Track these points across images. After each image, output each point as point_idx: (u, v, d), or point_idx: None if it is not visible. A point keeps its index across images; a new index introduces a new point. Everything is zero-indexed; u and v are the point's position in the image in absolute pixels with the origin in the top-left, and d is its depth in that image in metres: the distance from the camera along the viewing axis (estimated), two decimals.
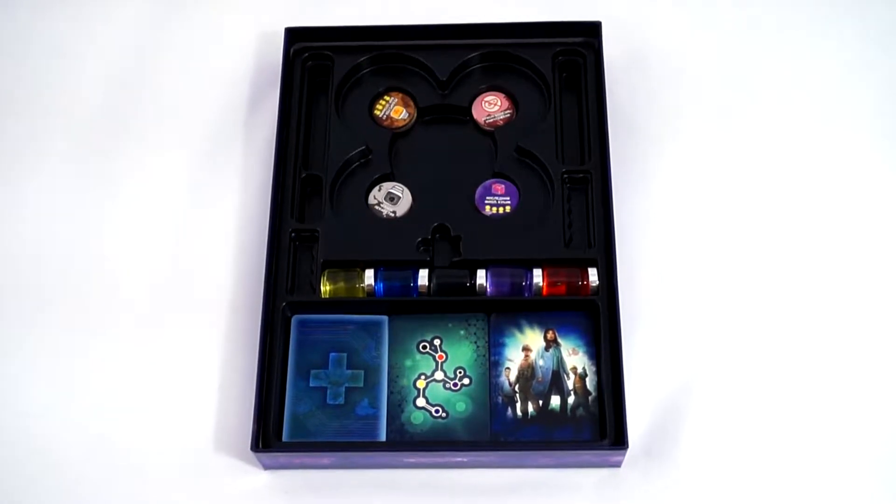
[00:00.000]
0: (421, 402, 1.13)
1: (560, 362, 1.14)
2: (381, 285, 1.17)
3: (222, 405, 1.16)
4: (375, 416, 1.12)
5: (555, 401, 1.13)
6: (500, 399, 1.13)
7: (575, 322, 1.16)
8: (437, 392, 1.14)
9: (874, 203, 1.25)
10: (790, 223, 1.24)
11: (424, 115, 1.27)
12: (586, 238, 1.20)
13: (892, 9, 1.35)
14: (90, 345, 1.20)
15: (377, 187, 1.23)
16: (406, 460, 1.13)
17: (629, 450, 1.11)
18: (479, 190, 1.22)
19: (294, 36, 1.28)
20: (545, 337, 1.15)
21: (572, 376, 1.14)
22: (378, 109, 1.27)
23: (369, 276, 1.17)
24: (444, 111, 1.27)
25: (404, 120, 1.26)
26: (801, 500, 1.12)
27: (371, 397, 1.13)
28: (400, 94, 1.27)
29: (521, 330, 1.16)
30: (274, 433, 1.12)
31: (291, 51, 1.28)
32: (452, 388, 1.14)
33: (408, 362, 1.15)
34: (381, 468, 1.14)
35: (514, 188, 1.22)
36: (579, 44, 1.27)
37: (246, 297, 1.20)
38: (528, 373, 1.14)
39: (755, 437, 1.15)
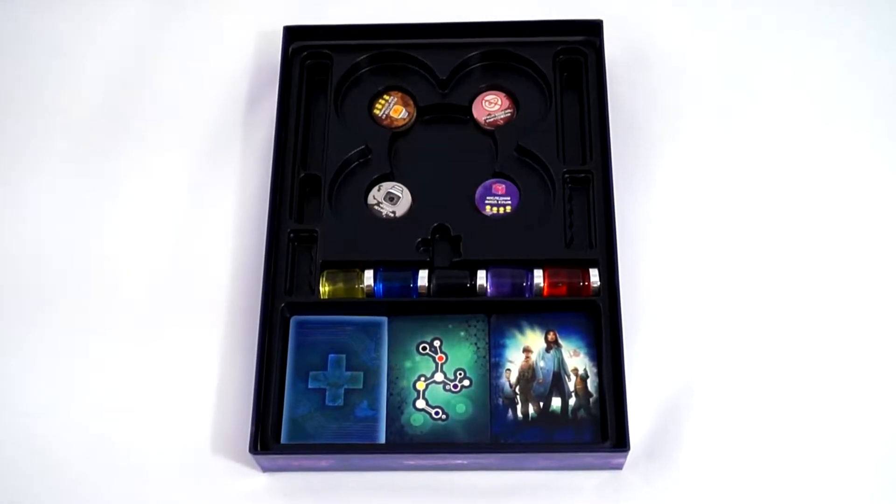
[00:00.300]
0: (421, 403, 1.13)
1: (561, 364, 1.14)
2: (381, 286, 1.17)
3: (220, 407, 1.16)
4: (375, 418, 1.12)
5: (556, 402, 1.12)
6: (500, 401, 1.13)
7: (576, 323, 1.15)
8: (437, 394, 1.13)
9: (875, 203, 1.25)
10: (793, 223, 1.24)
11: (424, 115, 1.27)
12: (587, 238, 1.19)
13: (894, 9, 1.34)
14: (88, 345, 1.20)
15: (376, 187, 1.22)
16: (406, 462, 1.12)
17: (631, 452, 1.11)
18: (479, 190, 1.22)
19: (293, 35, 1.28)
20: (546, 338, 1.15)
21: (573, 378, 1.13)
22: (377, 109, 1.26)
23: (368, 276, 1.17)
24: (443, 110, 1.27)
25: (404, 119, 1.26)
26: (804, 503, 1.12)
27: (370, 399, 1.13)
28: (399, 94, 1.27)
29: (521, 331, 1.15)
30: (272, 435, 1.11)
31: (290, 50, 1.28)
32: (452, 389, 1.14)
33: (407, 364, 1.15)
34: (381, 470, 1.14)
35: (514, 188, 1.22)
36: (580, 42, 1.27)
37: (244, 298, 1.20)
38: (528, 374, 1.14)
39: (758, 439, 1.14)
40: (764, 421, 1.15)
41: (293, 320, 1.16)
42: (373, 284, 1.16)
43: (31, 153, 1.29)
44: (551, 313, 1.16)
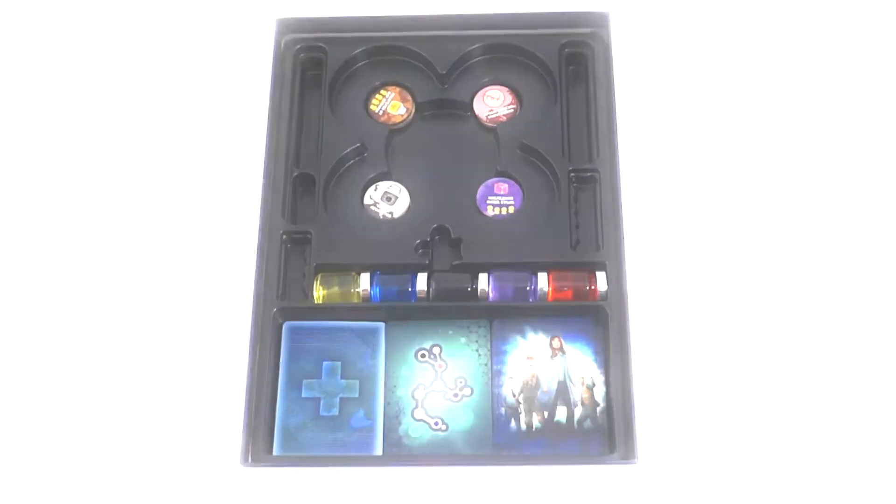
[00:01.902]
0: (419, 413, 1.12)
1: (566, 371, 1.13)
2: (378, 290, 1.16)
3: (210, 416, 1.15)
4: (371, 429, 1.11)
5: (561, 412, 1.12)
6: (502, 410, 1.12)
7: (582, 329, 1.14)
8: (437, 403, 1.12)
9: (892, 206, 1.24)
10: (809, 225, 1.23)
11: (423, 111, 1.26)
12: (594, 240, 1.19)
13: None
14: (72, 353, 1.18)
15: (373, 187, 1.22)
16: None
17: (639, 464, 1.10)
18: (480, 189, 1.21)
19: (286, 27, 1.28)
20: (551, 345, 1.14)
21: (579, 386, 1.13)
22: (374, 104, 1.26)
23: (365, 280, 1.16)
24: (443, 106, 1.26)
25: (402, 115, 1.25)
26: None
27: (367, 408, 1.12)
28: (397, 88, 1.26)
29: (525, 337, 1.14)
30: (264, 446, 1.11)
31: (283, 42, 1.27)
32: (453, 398, 1.13)
33: (405, 371, 1.14)
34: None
35: (517, 187, 1.21)
36: (587, 35, 1.27)
37: (235, 303, 1.19)
38: (532, 383, 1.13)
39: (772, 451, 1.13)
40: (778, 432, 1.14)
41: (286, 326, 1.15)
42: (369, 288, 1.16)
43: (16, 151, 1.28)
44: (556, 319, 1.15)
